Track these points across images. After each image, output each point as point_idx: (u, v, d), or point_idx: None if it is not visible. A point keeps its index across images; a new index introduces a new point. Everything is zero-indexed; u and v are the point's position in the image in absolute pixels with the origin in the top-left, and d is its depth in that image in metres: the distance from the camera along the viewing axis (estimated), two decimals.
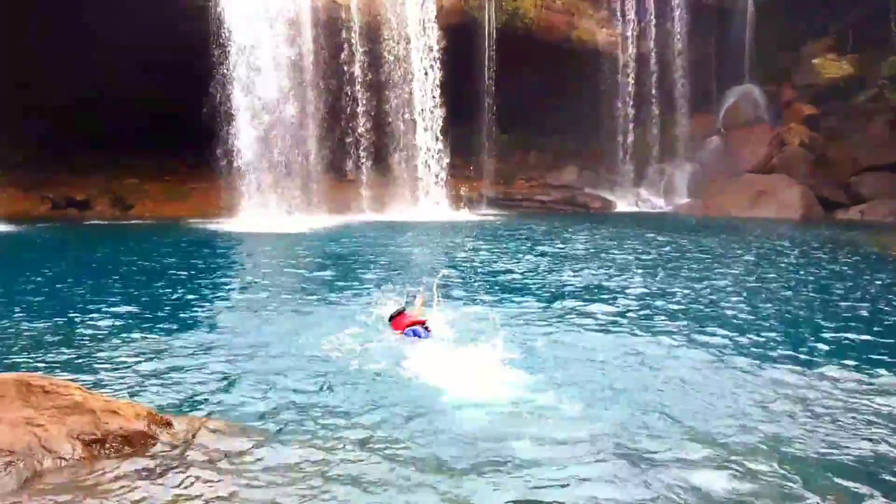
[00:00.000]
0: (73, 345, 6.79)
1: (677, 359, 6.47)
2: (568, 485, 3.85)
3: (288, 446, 4.25)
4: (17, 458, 3.41)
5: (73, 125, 22.94)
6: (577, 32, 30.38)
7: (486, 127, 30.25)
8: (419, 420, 4.75)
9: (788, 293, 10.09)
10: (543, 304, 9.02)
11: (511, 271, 12.09)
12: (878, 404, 5.26)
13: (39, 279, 10.87)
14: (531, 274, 11.82)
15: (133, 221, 23.19)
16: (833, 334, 7.64)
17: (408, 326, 6.77)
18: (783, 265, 13.28)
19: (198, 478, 3.63)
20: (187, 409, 4.97)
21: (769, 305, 9.14)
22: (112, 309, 8.58)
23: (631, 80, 32.05)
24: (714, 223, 23.56)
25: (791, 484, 3.91)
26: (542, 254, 14.70)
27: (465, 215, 26.46)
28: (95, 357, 6.37)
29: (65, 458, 3.55)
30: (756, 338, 7.35)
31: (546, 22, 29.47)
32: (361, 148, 26.59)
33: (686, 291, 10.01)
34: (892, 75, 26.30)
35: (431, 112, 27.05)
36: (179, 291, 10.09)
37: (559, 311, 8.60)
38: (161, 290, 10.08)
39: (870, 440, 4.58)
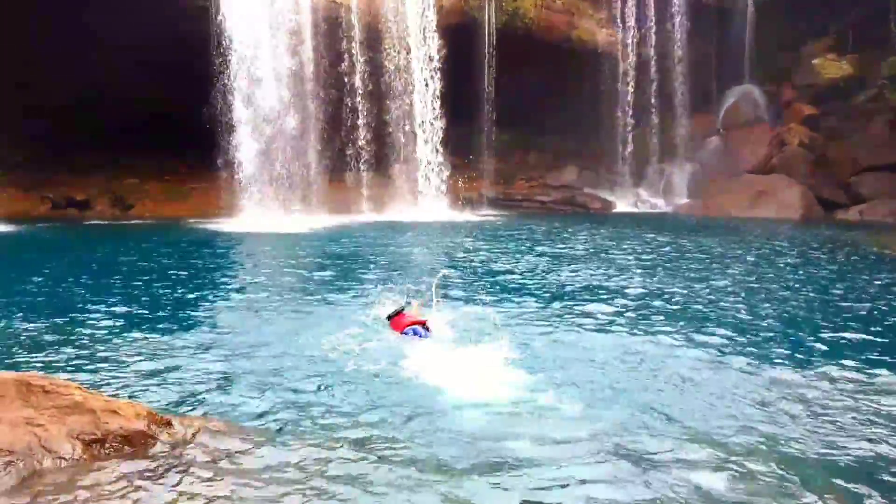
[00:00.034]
0: (73, 345, 6.79)
1: (677, 359, 6.47)
2: (568, 485, 3.85)
3: (288, 446, 4.25)
4: (17, 458, 3.41)
5: (73, 125, 22.94)
6: (577, 32, 30.38)
7: (486, 127, 30.24)
8: (419, 420, 4.75)
9: (788, 293, 10.09)
10: (543, 304, 9.02)
11: (511, 271, 12.09)
12: (878, 404, 5.26)
13: (39, 279, 10.87)
14: (531, 274, 11.82)
15: (133, 221, 23.19)
16: (833, 334, 7.64)
17: (407, 326, 6.77)
18: (783, 265, 13.28)
19: (198, 478, 3.64)
20: (187, 409, 4.97)
21: (769, 305, 9.14)
22: (112, 309, 8.58)
23: (631, 81, 32.05)
24: (714, 223, 23.56)
25: (791, 484, 3.91)
26: (542, 254, 14.70)
27: (465, 215, 26.46)
28: (95, 357, 6.37)
29: (65, 458, 3.55)
30: (756, 338, 7.35)
31: (546, 22, 29.47)
32: (362, 160, 26.53)
33: (686, 291, 10.01)
34: (892, 75, 26.30)
35: (432, 124, 26.99)
36: (179, 291, 10.09)
37: (559, 311, 8.60)
38: (161, 290, 10.08)
39: (870, 440, 4.58)
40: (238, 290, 10.43)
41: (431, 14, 26.63)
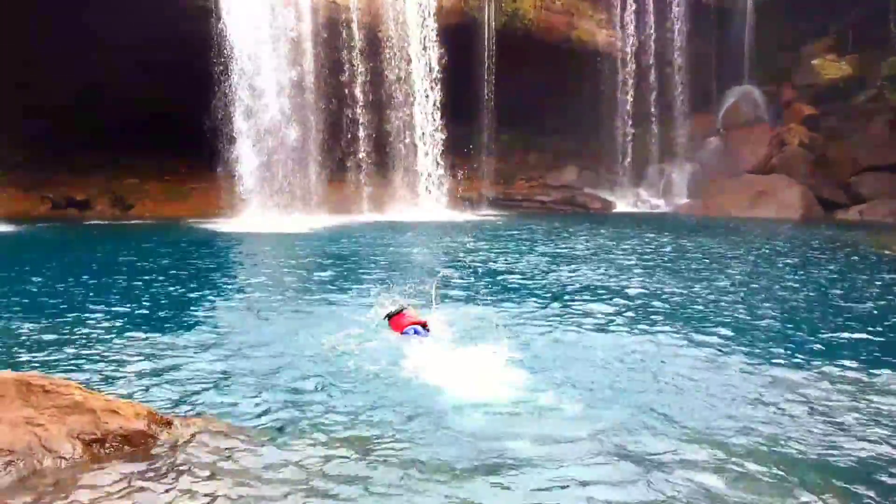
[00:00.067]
0: (73, 345, 6.79)
1: (677, 359, 6.47)
2: (568, 485, 3.85)
3: (288, 446, 4.25)
4: (17, 458, 3.42)
5: (73, 125, 22.94)
6: (577, 33, 30.38)
7: (486, 127, 30.23)
8: (419, 420, 4.75)
9: (788, 293, 10.09)
10: (543, 304, 9.02)
11: (511, 271, 12.10)
12: (878, 404, 5.26)
13: (39, 279, 10.87)
14: (531, 274, 11.82)
15: (133, 221, 23.19)
16: (833, 334, 7.64)
17: (408, 326, 6.76)
18: (783, 265, 13.28)
19: (198, 478, 3.64)
20: (187, 409, 4.97)
21: (769, 305, 9.14)
22: (112, 309, 8.58)
23: (631, 81, 32.05)
24: (714, 223, 23.57)
25: (791, 484, 3.91)
26: (542, 254, 14.70)
27: (465, 215, 26.46)
28: (95, 357, 6.37)
29: (65, 458, 3.55)
30: (756, 338, 7.35)
31: (546, 22, 29.47)
32: (363, 173, 26.48)
33: (686, 291, 10.01)
34: (892, 75, 26.30)
35: (432, 136, 26.95)
36: (179, 291, 10.10)
37: (559, 311, 8.60)
38: (161, 290, 10.08)
39: (870, 440, 4.58)
40: (238, 290, 10.43)
41: (431, 22, 26.54)
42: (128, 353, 6.50)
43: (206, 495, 3.48)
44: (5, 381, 3.82)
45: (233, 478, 3.70)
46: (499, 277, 11.43)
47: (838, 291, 10.34)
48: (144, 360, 6.26)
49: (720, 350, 6.78)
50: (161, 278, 11.15)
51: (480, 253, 14.75)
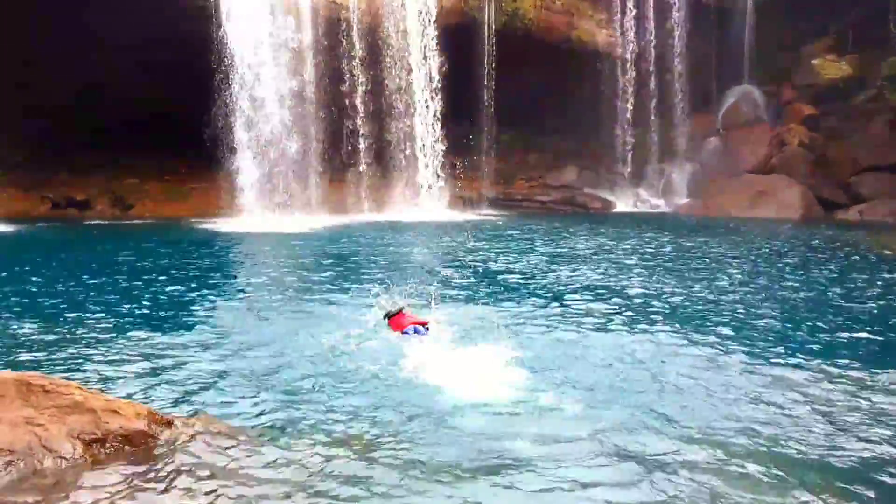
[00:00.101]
0: (73, 345, 6.79)
1: (677, 358, 6.47)
2: (568, 485, 3.85)
3: (288, 446, 4.25)
4: (18, 458, 3.41)
5: (73, 125, 22.93)
6: (577, 33, 30.36)
7: (486, 127, 30.21)
8: (419, 420, 4.75)
9: (788, 293, 10.09)
10: (543, 304, 9.02)
11: (511, 271, 12.09)
12: (879, 404, 5.26)
13: (39, 279, 10.87)
14: (531, 274, 11.82)
15: (133, 221, 23.18)
16: (833, 334, 7.64)
17: (408, 326, 6.76)
18: (783, 265, 13.28)
19: (198, 477, 3.64)
20: (188, 409, 4.97)
21: (769, 305, 9.14)
22: (112, 309, 8.58)
23: (630, 81, 32.04)
24: (714, 223, 23.56)
25: (791, 484, 3.91)
26: (542, 254, 14.70)
27: (465, 215, 26.45)
28: (95, 357, 6.37)
29: (65, 458, 3.55)
30: (756, 338, 7.35)
31: (546, 22, 29.45)
32: (363, 186, 26.43)
33: (686, 291, 10.01)
34: (891, 75, 26.29)
35: (433, 147, 26.90)
36: (179, 291, 10.09)
37: (559, 311, 8.60)
38: (161, 290, 10.08)
39: (870, 440, 4.58)
40: (238, 290, 10.44)
41: (432, 31, 26.46)
42: (128, 353, 6.50)
43: (206, 495, 3.48)
44: (5, 381, 3.82)
45: (233, 478, 3.70)
46: (499, 277, 11.43)
47: (838, 291, 10.33)
48: (144, 360, 6.26)
49: (720, 350, 6.78)
50: (161, 278, 11.14)
51: (480, 253, 14.75)
